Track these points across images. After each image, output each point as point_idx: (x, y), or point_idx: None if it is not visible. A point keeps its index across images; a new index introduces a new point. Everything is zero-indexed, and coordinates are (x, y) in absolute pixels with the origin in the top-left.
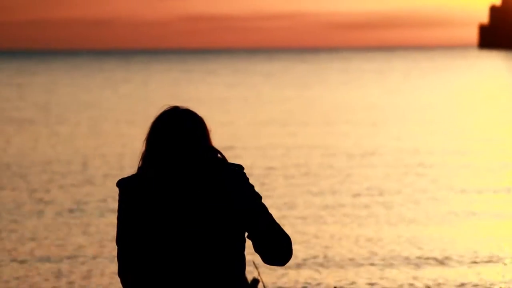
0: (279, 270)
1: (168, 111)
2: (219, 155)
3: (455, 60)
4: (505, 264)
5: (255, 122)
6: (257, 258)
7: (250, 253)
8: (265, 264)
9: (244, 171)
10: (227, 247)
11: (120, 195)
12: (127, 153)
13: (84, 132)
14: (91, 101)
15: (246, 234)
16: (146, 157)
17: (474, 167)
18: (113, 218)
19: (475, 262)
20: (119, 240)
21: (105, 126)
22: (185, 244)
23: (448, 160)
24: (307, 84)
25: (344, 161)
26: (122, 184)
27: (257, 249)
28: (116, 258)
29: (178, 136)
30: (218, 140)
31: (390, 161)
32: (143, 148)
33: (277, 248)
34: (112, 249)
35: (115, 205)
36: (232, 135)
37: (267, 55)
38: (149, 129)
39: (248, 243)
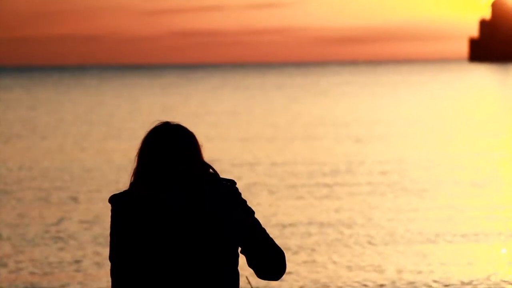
0: (272, 284)
1: (160, 126)
2: (211, 170)
3: (445, 73)
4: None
5: (241, 137)
6: (251, 273)
7: (243, 268)
8: (259, 279)
9: (236, 186)
10: (221, 263)
11: (112, 211)
12: (110, 168)
13: (68, 147)
14: (81, 115)
15: (240, 249)
16: (138, 173)
17: (460, 181)
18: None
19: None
20: (113, 256)
21: (90, 141)
22: (179, 260)
23: (432, 174)
24: (295, 98)
25: (328, 176)
26: (114, 200)
27: (250, 263)
28: (109, 275)
29: (170, 151)
30: (204, 154)
31: (374, 175)
32: (135, 164)
33: (271, 263)
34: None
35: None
36: (219, 150)
37: (257, 70)
38: (140, 145)
39: (241, 258)
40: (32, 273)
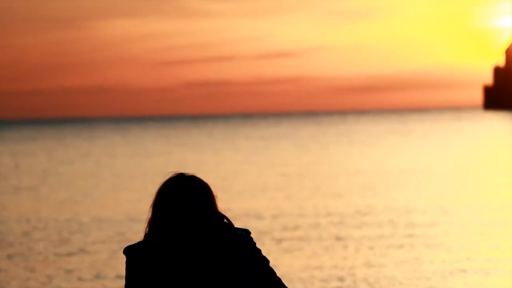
0: None
1: (174, 177)
2: (225, 220)
3: (460, 121)
4: None
5: (251, 188)
6: None
7: None
8: None
9: (251, 235)
10: None
11: (127, 262)
12: (120, 219)
13: (78, 199)
14: (90, 168)
15: None
16: (153, 224)
17: (471, 229)
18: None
19: None
20: None
21: (100, 193)
22: None
23: (442, 222)
24: (307, 147)
25: (337, 226)
26: (129, 251)
27: None
28: None
29: (186, 202)
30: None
31: (383, 224)
32: (150, 215)
33: None
34: None
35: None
36: (228, 200)
37: (269, 119)
38: (155, 195)
39: None
40: None
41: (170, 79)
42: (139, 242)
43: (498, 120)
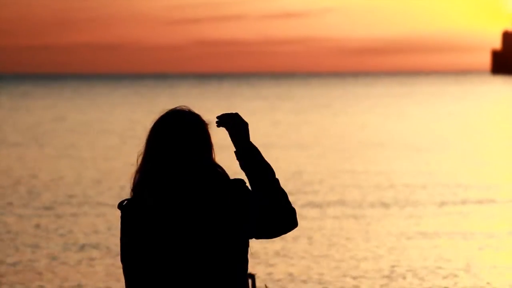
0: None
1: (169, 116)
2: (219, 169)
3: (468, 85)
4: None
5: (260, 145)
6: (271, 282)
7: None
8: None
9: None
10: (231, 264)
11: (122, 217)
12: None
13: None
14: (89, 124)
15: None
16: (141, 177)
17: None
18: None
19: None
20: (124, 258)
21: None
22: (189, 261)
23: (438, 189)
24: (312, 108)
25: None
26: (124, 207)
27: (261, 221)
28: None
29: (178, 149)
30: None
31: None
32: (140, 158)
33: (282, 211)
34: None
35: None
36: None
37: (279, 80)
38: (147, 137)
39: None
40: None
41: (179, 37)
42: (132, 199)
43: (505, 84)
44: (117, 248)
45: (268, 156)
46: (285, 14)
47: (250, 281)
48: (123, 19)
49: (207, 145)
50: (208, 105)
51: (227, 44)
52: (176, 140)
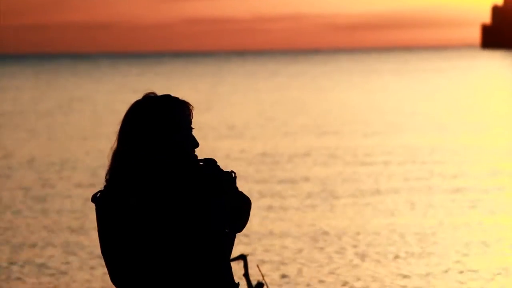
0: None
1: (136, 103)
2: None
3: (457, 60)
4: None
5: (232, 125)
6: (263, 263)
7: (254, 255)
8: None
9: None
10: (212, 251)
11: (96, 211)
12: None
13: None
14: (67, 104)
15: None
16: (114, 168)
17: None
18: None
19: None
20: (105, 251)
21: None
22: (169, 249)
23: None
24: (295, 85)
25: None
26: (97, 201)
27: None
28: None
29: (145, 131)
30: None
31: (379, 166)
32: (114, 146)
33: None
34: None
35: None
36: (230, 134)
37: (269, 57)
38: (121, 124)
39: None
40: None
41: (169, 15)
42: (105, 191)
43: (495, 59)
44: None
45: (242, 135)
46: None
47: (242, 262)
48: None
49: (175, 126)
50: (197, 83)
51: (217, 22)
52: (143, 123)
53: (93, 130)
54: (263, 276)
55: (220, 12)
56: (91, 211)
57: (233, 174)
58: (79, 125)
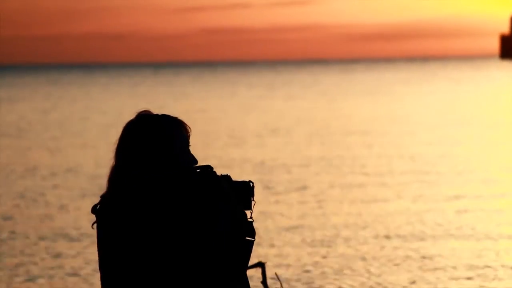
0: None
1: (139, 119)
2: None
3: (476, 70)
4: None
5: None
6: (280, 271)
7: (272, 266)
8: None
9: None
10: (220, 261)
11: (97, 222)
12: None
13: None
14: (79, 112)
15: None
16: (115, 178)
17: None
18: None
19: None
20: (102, 266)
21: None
22: (170, 264)
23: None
24: (307, 95)
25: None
26: (97, 211)
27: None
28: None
29: (142, 147)
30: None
31: (398, 179)
32: (113, 162)
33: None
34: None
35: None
36: (236, 145)
37: (286, 67)
38: (118, 140)
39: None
40: None
41: (185, 26)
42: (105, 200)
43: None
44: None
45: (256, 144)
46: (291, 1)
47: (260, 269)
48: (129, 9)
49: (171, 144)
50: (211, 93)
51: (233, 32)
52: (141, 138)
53: (96, 140)
54: (281, 284)
55: (237, 22)
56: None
57: (250, 184)
58: (85, 134)
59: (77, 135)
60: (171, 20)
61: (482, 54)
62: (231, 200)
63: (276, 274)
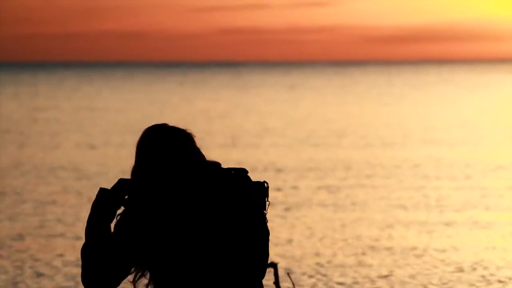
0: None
1: (160, 126)
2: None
3: (496, 74)
4: None
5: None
6: (293, 268)
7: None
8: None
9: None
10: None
11: (130, 204)
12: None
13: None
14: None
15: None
16: (144, 169)
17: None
18: None
19: None
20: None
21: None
22: (215, 254)
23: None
24: (340, 97)
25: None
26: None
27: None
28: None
29: (178, 146)
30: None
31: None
32: (134, 166)
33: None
34: None
35: None
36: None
37: (304, 69)
38: (143, 145)
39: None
40: None
41: (203, 25)
42: (135, 180)
43: None
44: None
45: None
46: (310, 2)
47: (273, 270)
48: (147, 8)
49: (193, 148)
50: (228, 94)
51: (251, 33)
52: (167, 144)
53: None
54: (293, 285)
55: (255, 22)
56: None
57: (265, 184)
58: (88, 133)
59: (79, 133)
60: (189, 19)
61: (502, 57)
62: (256, 200)
63: (288, 274)
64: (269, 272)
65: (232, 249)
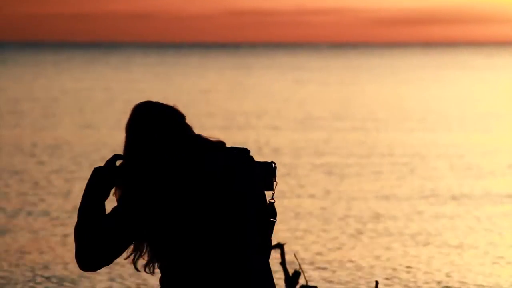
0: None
1: (152, 103)
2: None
3: (506, 58)
4: None
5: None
6: (299, 251)
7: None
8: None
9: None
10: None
11: (136, 179)
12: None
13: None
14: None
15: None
16: (139, 147)
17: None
18: None
19: None
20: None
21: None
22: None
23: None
24: (341, 79)
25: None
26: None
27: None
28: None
29: (174, 122)
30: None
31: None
32: (126, 142)
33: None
34: None
35: None
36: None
37: (311, 50)
38: (133, 122)
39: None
40: None
41: (212, 6)
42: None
43: None
44: None
45: (262, 126)
46: None
47: (279, 250)
48: None
49: (185, 124)
50: (235, 75)
51: (260, 14)
52: (161, 121)
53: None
54: (300, 265)
55: (263, 4)
56: None
57: (273, 164)
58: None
59: (72, 115)
60: (197, 0)
61: (506, 40)
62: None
63: (295, 255)
64: (276, 252)
65: (231, 228)
